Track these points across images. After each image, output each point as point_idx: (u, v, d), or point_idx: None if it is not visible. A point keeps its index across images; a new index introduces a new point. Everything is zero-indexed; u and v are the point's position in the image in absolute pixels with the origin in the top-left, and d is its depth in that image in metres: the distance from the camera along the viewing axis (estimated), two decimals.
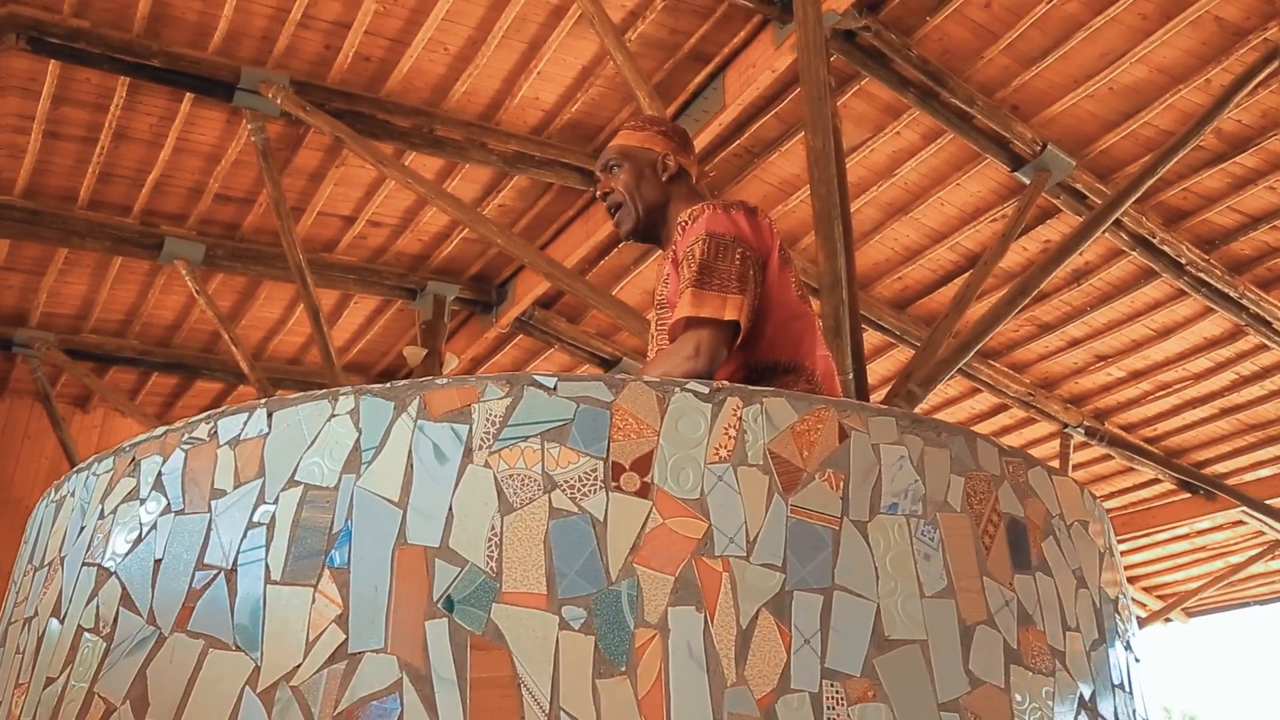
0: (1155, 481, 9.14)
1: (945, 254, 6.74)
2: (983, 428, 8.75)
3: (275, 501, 1.38)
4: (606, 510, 1.31)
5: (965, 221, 6.33)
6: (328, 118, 4.79)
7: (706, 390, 1.39)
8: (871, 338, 7.30)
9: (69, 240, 5.71)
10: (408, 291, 7.04)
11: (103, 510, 1.56)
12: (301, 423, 1.42)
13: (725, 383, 1.43)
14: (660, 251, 2.12)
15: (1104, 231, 5.30)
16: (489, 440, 1.35)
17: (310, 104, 4.81)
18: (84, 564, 1.52)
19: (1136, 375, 7.82)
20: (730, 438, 1.37)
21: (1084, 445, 8.51)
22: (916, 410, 4.23)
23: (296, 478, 1.39)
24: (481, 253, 6.86)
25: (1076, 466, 8.76)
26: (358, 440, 1.38)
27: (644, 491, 1.32)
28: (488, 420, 1.36)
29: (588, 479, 1.32)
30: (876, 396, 7.33)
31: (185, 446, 1.50)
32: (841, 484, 1.39)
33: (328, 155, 5.57)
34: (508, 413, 1.36)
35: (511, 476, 1.33)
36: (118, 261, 6.19)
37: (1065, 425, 8.29)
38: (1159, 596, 11.53)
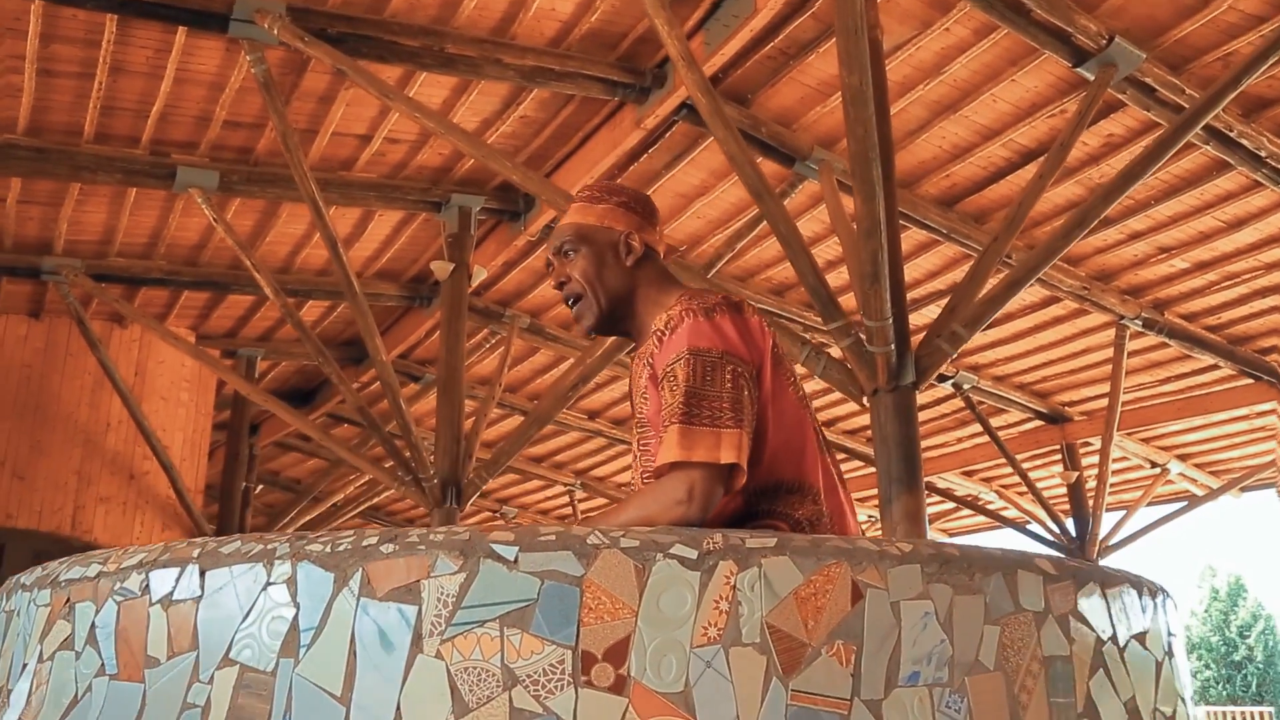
0: (1214, 368, 8.81)
1: (998, 151, 6.31)
2: (1033, 320, 8.43)
3: (210, 682, 1.23)
4: (575, 710, 1.13)
5: (1019, 118, 5.89)
6: (327, 48, 4.48)
7: (694, 555, 1.19)
8: (916, 235, 6.96)
9: (79, 175, 5.53)
10: (432, 205, 6.80)
11: (41, 652, 1.42)
12: (236, 589, 1.25)
13: (718, 538, 1.22)
14: (631, 349, 1.83)
15: (1185, 134, 4.86)
16: (441, 625, 1.17)
17: (309, 32, 4.48)
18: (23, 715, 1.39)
19: (1202, 266, 7.42)
20: (722, 613, 1.18)
21: (1139, 335, 8.19)
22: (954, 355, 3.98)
23: (232, 655, 1.23)
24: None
25: (1132, 354, 8.44)
26: (295, 617, 1.21)
27: (619, 686, 1.14)
28: (439, 600, 1.18)
29: (553, 672, 1.14)
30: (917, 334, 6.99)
31: (117, 598, 1.34)
32: (853, 657, 1.19)
33: (336, 77, 5.26)
34: (462, 591, 1.18)
35: (467, 670, 1.15)
36: (133, 191, 6.01)
37: (1121, 317, 7.95)
38: (1212, 473, 11.34)
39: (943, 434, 11.07)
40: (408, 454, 7.26)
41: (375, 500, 11.41)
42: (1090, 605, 1.40)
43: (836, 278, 7.75)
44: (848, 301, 7.69)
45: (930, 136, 6.15)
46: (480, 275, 7.16)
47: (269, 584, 1.24)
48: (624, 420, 11.45)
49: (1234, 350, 8.22)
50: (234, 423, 9.25)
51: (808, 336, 4.88)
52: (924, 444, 11.31)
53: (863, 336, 3.86)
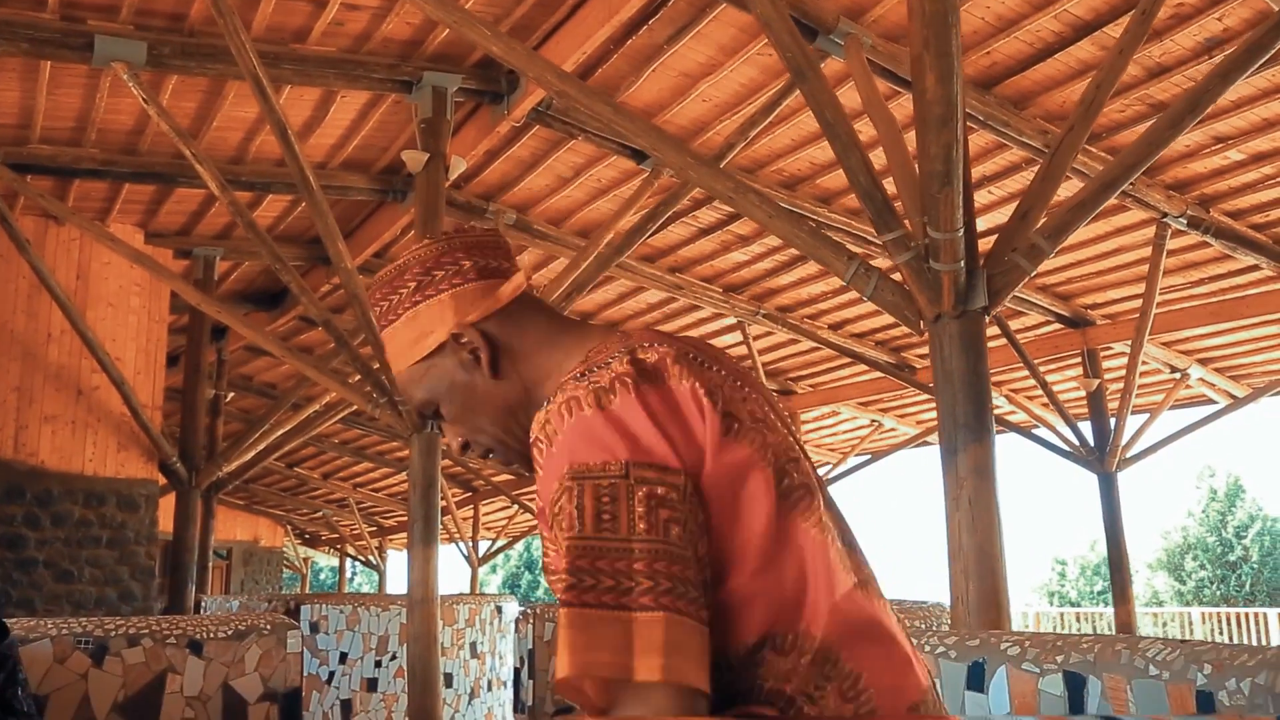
0: (1254, 269, 8.17)
1: (1048, 24, 5.51)
2: None
3: None
4: None
5: None
6: None
7: None
8: None
9: None
10: (401, 85, 5.95)
11: None
12: None
13: None
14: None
15: None
16: None
17: None
18: None
19: (1259, 159, 6.71)
20: None
21: (1180, 234, 7.51)
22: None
23: None
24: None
25: (1170, 254, 7.78)
26: None
27: None
28: None
29: None
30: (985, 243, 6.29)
31: None
32: None
33: None
34: None
35: None
36: (47, 65, 5.15)
37: (1164, 215, 7.25)
38: (1232, 378, 10.83)
39: None
40: (381, 371, 6.59)
41: (357, 406, 10.77)
42: None
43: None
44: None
45: (971, 5, 5.35)
46: (459, 166, 6.35)
47: None
48: (618, 323, 10.78)
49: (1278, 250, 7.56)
50: (194, 328, 8.52)
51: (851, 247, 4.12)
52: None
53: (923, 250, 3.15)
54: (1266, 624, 14.64)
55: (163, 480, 7.80)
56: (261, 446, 8.57)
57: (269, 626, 4.67)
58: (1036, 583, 26.56)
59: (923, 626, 5.09)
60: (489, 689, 9.05)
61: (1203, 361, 10.46)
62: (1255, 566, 22.39)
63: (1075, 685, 2.36)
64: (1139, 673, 2.15)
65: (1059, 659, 2.41)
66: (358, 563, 24.63)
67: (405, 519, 19.66)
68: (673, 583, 0.88)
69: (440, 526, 6.61)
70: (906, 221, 3.28)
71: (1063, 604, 24.72)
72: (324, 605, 8.40)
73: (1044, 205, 3.40)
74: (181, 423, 8.07)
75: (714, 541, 0.93)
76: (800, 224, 3.63)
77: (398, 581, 27.01)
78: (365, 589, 31.52)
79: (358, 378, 8.27)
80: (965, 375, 3.15)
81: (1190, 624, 16.35)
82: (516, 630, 6.19)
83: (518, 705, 6.05)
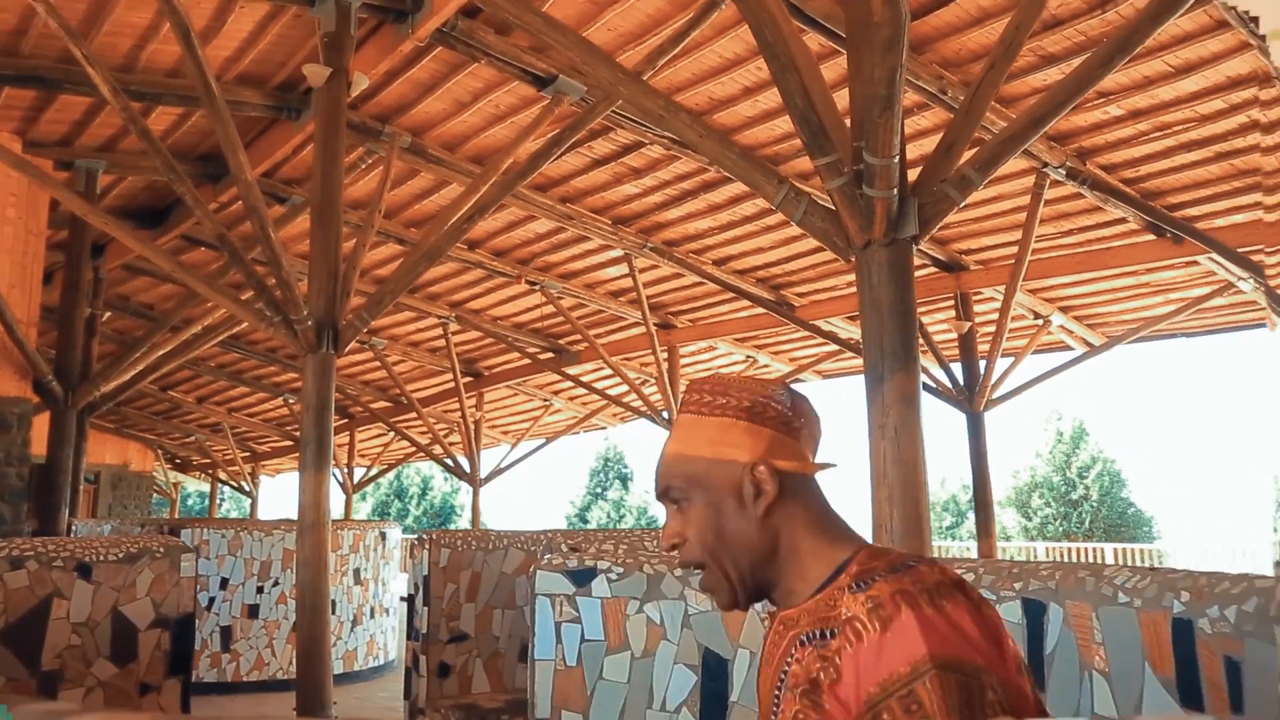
0: (1121, 221, 8.65)
1: None
2: (925, 145, 7.93)
3: None
4: None
5: None
6: None
7: None
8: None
9: None
10: None
11: None
12: None
13: None
14: (770, 615, 1.21)
15: None
16: None
17: None
18: None
19: (1137, 114, 7.06)
20: None
21: (1057, 184, 7.88)
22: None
23: None
24: None
25: (1047, 203, 8.16)
26: None
27: None
28: None
29: None
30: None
31: None
32: None
33: None
34: None
35: None
36: None
37: (1044, 165, 7.59)
38: (1089, 326, 11.48)
39: (833, 278, 10.75)
40: (276, 290, 6.36)
41: (238, 329, 10.35)
42: None
43: (770, 99, 7.09)
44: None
45: None
46: (361, 83, 6.13)
47: None
48: (505, 252, 10.66)
49: (1150, 205, 8.01)
50: (73, 244, 8.03)
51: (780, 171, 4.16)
52: (812, 287, 11.21)
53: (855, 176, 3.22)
54: (1102, 558, 15.84)
55: (36, 399, 7.37)
56: (140, 368, 8.18)
57: (162, 550, 4.49)
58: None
59: None
60: (372, 616, 8.98)
61: (1064, 309, 11.07)
62: (1094, 505, 24.08)
63: (1034, 613, 2.33)
64: (1106, 600, 2.13)
65: (1016, 586, 2.40)
66: (228, 488, 23.89)
67: (280, 444, 19.19)
68: None
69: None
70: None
71: None
72: (205, 529, 8.14)
73: (967, 138, 3.52)
74: (58, 341, 7.63)
75: None
76: (730, 145, 3.65)
77: (270, 507, 26.19)
78: (234, 515, 30.60)
79: (250, 294, 7.97)
80: (893, 303, 3.25)
81: (1035, 558, 17.53)
82: (411, 556, 6.13)
83: (411, 632, 6.02)
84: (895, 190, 3.14)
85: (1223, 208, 8.22)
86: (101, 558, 4.27)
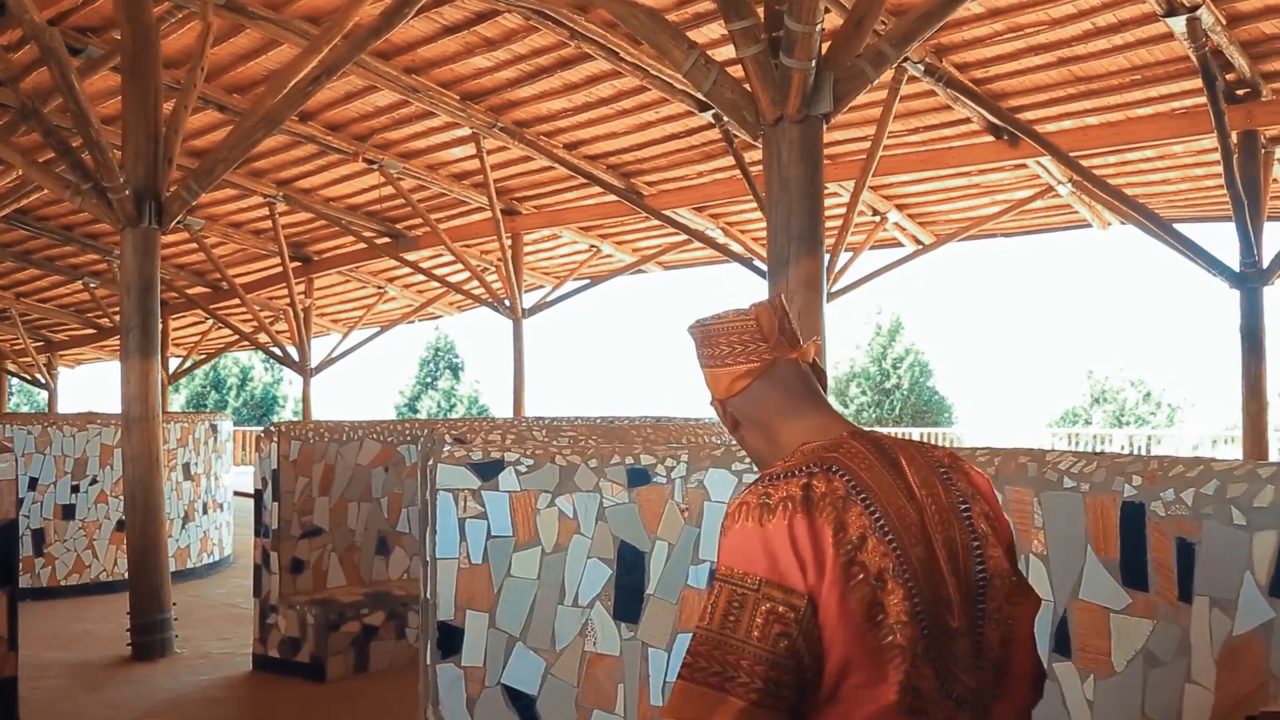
0: (965, 121, 8.85)
1: None
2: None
3: None
4: None
5: None
6: None
7: None
8: None
9: None
10: None
11: None
12: None
13: None
14: None
15: None
16: None
17: None
18: None
19: (995, 14, 7.14)
20: None
21: (914, 80, 7.96)
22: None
23: None
24: None
25: (903, 99, 8.25)
26: None
27: None
28: None
29: None
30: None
31: None
32: None
33: None
34: None
35: None
36: None
37: (904, 59, 7.62)
38: (921, 224, 11.86)
39: (684, 167, 10.62)
40: (84, 152, 5.68)
41: (25, 202, 9.25)
42: None
43: None
44: None
45: None
46: None
47: None
48: (341, 126, 9.94)
49: (996, 106, 8.21)
50: None
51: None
52: (662, 176, 11.06)
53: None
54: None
55: None
56: None
57: None
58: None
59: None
60: (205, 512, 8.48)
61: (900, 207, 11.37)
62: (905, 393, 25.59)
63: None
64: (1050, 485, 2.12)
65: None
66: (18, 380, 21.92)
67: (80, 332, 17.67)
68: (765, 683, 1.13)
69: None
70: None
71: None
72: (7, 425, 7.38)
73: (878, 12, 3.40)
74: None
75: (832, 658, 1.16)
76: (635, 4, 3.39)
77: (71, 401, 24.33)
78: (24, 410, 28.29)
79: (49, 158, 7.08)
80: (802, 184, 3.13)
81: None
82: (258, 449, 5.74)
83: (259, 529, 5.68)
84: (814, 62, 2.99)
85: (1057, 113, 8.52)
86: None
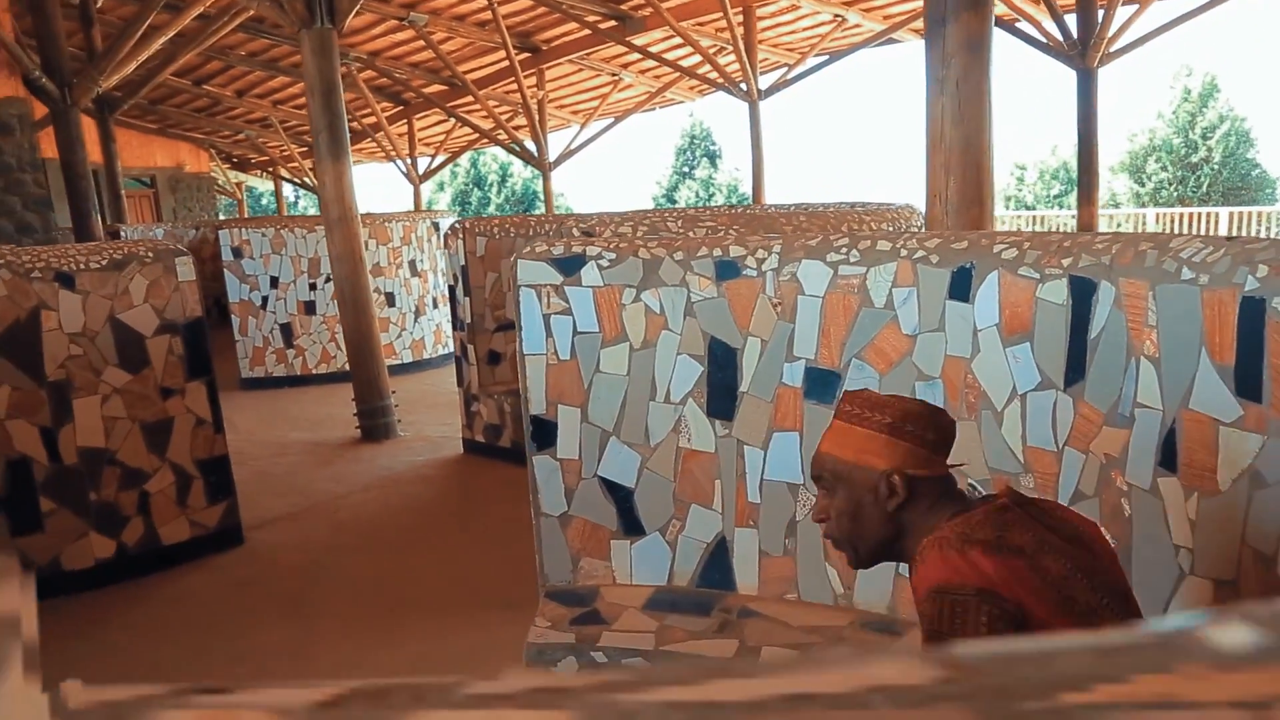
0: None
1: None
2: None
3: None
4: None
5: None
6: None
7: None
8: None
9: None
10: None
11: None
12: None
13: None
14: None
15: None
16: None
17: None
18: None
19: None
20: None
21: None
22: None
23: None
24: None
25: None
26: None
27: None
28: None
29: None
30: None
31: None
32: None
33: None
34: None
35: None
36: None
37: None
38: None
39: None
40: None
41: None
42: None
43: None
44: None
45: None
46: None
47: None
48: None
49: None
50: None
51: None
52: None
53: None
54: (1217, 223, 14.87)
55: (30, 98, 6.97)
56: (142, 57, 7.52)
57: (151, 254, 4.27)
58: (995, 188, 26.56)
59: (891, 229, 4.83)
60: (436, 306, 9.01)
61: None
62: (1216, 167, 22.21)
63: (1082, 293, 2.00)
64: (1167, 277, 1.74)
65: (1065, 262, 2.05)
66: (297, 186, 23.95)
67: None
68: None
69: (350, 139, 6.06)
70: None
71: (1018, 208, 25.01)
72: (244, 229, 8.03)
73: None
74: (35, 28, 7.03)
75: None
76: None
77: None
78: (311, 213, 31.18)
79: None
80: None
81: (1144, 224, 16.62)
82: (446, 246, 5.92)
83: (455, 322, 5.93)
84: None
85: None
86: (83, 266, 4.04)
